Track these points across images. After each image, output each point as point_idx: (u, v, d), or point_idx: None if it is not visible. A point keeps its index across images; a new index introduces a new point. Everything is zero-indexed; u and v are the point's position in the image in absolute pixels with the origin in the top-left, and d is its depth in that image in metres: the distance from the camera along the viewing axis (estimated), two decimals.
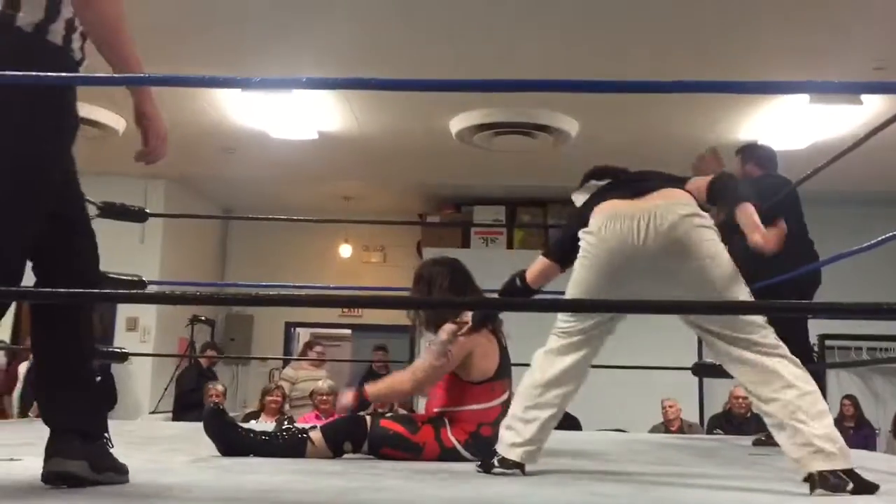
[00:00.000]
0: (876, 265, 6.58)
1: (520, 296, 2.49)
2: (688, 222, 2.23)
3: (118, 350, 4.79)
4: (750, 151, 4.20)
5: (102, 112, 6.44)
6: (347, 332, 10.96)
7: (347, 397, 2.84)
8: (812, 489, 2.01)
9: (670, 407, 6.91)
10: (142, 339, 8.12)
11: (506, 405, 2.66)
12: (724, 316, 2.23)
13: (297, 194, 8.97)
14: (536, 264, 2.50)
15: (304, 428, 2.87)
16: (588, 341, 2.33)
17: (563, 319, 2.37)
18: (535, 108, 6.41)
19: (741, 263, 3.87)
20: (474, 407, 2.77)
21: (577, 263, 2.33)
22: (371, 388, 2.85)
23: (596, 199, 2.39)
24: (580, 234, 2.32)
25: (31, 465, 2.01)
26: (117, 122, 6.58)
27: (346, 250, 9.73)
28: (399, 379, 2.92)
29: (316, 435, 2.75)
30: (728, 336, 2.19)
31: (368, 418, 2.79)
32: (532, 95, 6.12)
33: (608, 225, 2.26)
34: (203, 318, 8.95)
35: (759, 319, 2.21)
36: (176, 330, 8.67)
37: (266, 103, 6.29)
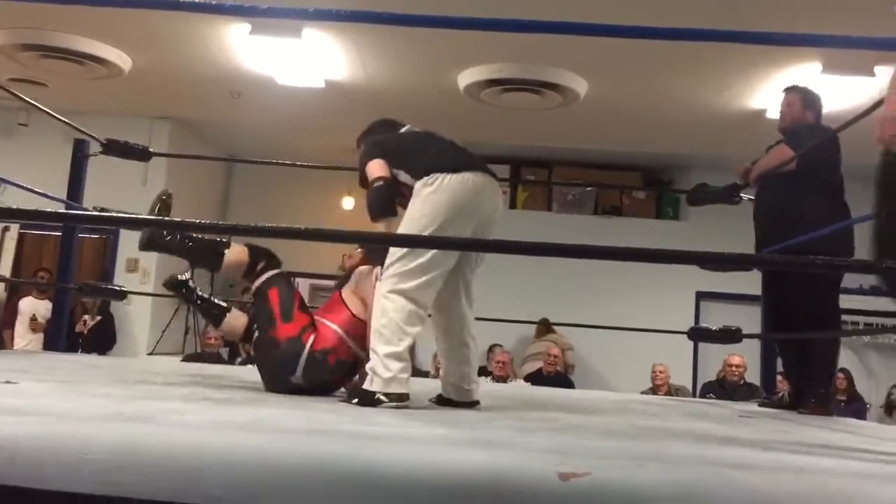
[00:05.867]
0: None
1: None
2: None
3: (117, 287, 4.81)
4: (812, 98, 4.04)
5: (109, 49, 6.28)
6: None
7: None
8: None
9: (661, 372, 7.02)
10: (141, 281, 8.15)
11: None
12: None
13: (301, 145, 8.94)
14: None
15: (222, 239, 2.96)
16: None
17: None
18: (545, 66, 6.35)
19: (773, 222, 3.81)
20: (343, 333, 2.81)
21: None
22: None
23: None
24: None
25: (26, 387, 2.06)
26: (124, 60, 6.43)
27: (348, 203, 9.72)
28: None
29: (238, 247, 2.90)
30: None
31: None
32: (542, 52, 6.06)
33: None
34: None
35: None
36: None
37: (274, 48, 6.24)
